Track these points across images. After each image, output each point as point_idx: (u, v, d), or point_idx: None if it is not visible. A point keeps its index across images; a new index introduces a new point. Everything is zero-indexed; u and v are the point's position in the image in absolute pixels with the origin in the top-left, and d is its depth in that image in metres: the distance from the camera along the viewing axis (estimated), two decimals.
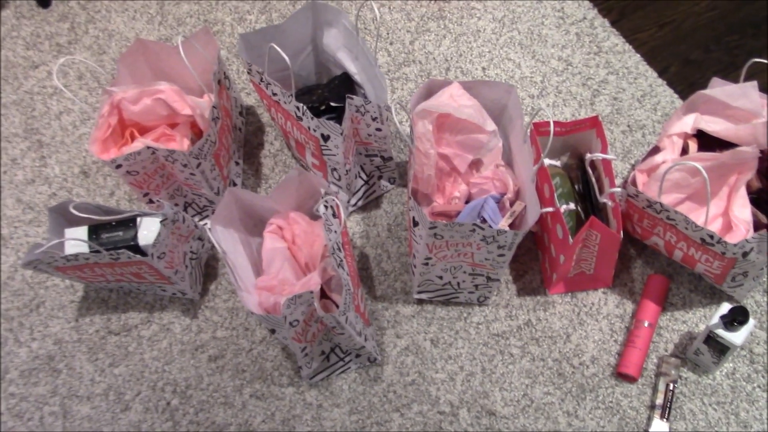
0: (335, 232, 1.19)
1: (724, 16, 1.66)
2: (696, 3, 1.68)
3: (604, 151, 1.28)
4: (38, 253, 1.25)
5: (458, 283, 1.32)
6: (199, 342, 1.39)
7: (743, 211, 1.25)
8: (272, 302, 1.18)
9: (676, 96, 1.56)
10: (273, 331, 1.19)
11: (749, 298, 1.34)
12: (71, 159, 1.60)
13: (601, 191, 1.31)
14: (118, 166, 1.30)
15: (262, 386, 1.34)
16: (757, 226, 1.26)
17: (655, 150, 1.29)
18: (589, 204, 1.34)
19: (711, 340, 1.21)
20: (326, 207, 1.21)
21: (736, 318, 1.16)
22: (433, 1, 1.71)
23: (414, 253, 1.28)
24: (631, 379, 1.30)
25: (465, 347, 1.35)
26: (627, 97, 1.56)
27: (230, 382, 1.35)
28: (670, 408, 1.26)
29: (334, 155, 1.32)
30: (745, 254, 1.16)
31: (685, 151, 1.30)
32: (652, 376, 1.30)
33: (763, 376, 1.28)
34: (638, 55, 1.61)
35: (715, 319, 1.19)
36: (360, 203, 1.49)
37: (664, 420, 1.25)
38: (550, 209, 1.26)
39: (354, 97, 1.27)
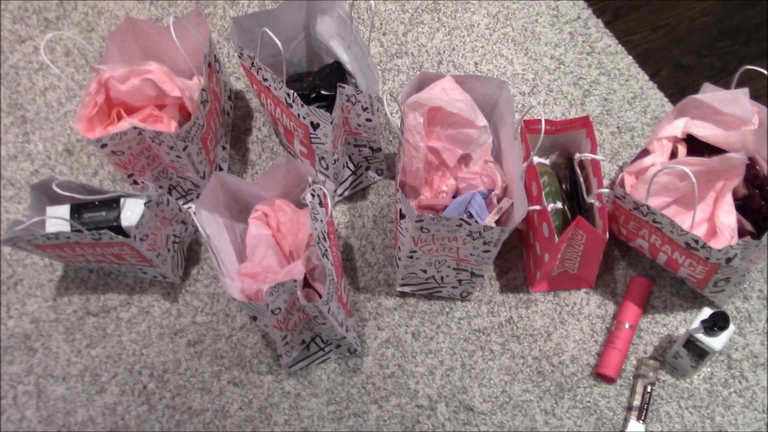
0: (321, 221, 1.18)
1: (717, 22, 1.66)
2: (690, 7, 1.68)
3: (593, 151, 1.28)
4: (18, 230, 1.23)
5: (442, 278, 1.32)
6: (179, 326, 1.37)
7: (728, 217, 1.25)
8: (255, 289, 1.17)
9: (666, 100, 1.56)
10: (254, 319, 1.18)
11: (729, 304, 1.35)
12: (55, 136, 1.57)
13: (588, 191, 1.31)
14: (104, 146, 1.29)
15: (240, 373, 1.33)
16: (742, 232, 1.27)
17: (644, 152, 1.29)
18: (575, 204, 1.34)
19: (690, 344, 1.22)
20: (313, 196, 1.20)
21: (717, 323, 1.17)
22: None
23: (399, 246, 1.28)
24: (609, 380, 1.30)
25: (446, 342, 1.35)
26: (617, 99, 1.56)
27: (208, 368, 1.34)
28: (646, 410, 1.26)
29: (323, 144, 1.31)
30: (728, 260, 1.17)
31: (674, 155, 1.30)
32: (631, 377, 1.31)
33: (739, 382, 1.29)
34: (630, 57, 1.61)
35: (696, 324, 1.20)
36: (346, 193, 1.48)
37: (641, 422, 1.26)
38: (538, 207, 1.26)
39: (345, 86, 1.26)
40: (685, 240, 1.19)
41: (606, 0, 1.69)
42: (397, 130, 1.24)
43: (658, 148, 1.28)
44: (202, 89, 1.32)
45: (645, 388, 1.27)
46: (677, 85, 1.59)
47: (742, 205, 1.28)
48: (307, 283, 1.24)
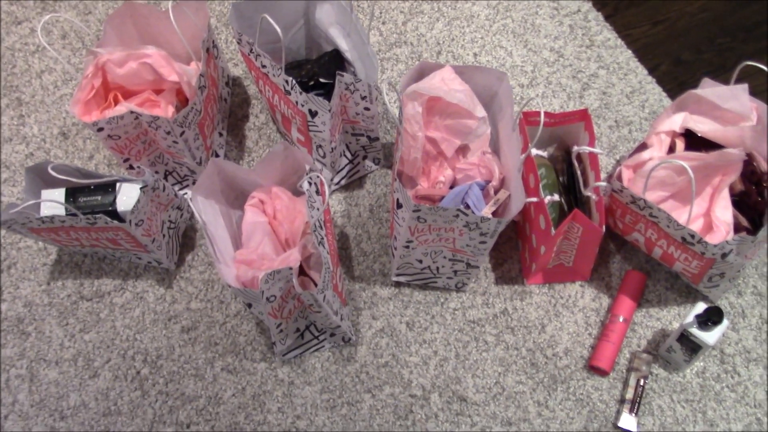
0: (318, 209, 1.18)
1: (717, 18, 1.66)
2: (690, 3, 1.68)
3: (591, 144, 1.28)
4: (13, 213, 1.23)
5: (437, 268, 1.32)
6: (173, 312, 1.37)
7: (725, 212, 1.25)
8: (250, 276, 1.17)
9: (664, 95, 1.56)
10: (249, 306, 1.18)
11: (723, 299, 1.35)
12: (51, 119, 1.56)
13: (585, 184, 1.31)
14: (100, 129, 1.28)
15: (234, 360, 1.33)
16: (737, 228, 1.27)
17: (643, 146, 1.29)
18: (572, 197, 1.34)
19: (684, 338, 1.22)
20: (310, 184, 1.20)
21: (711, 318, 1.17)
22: None
23: (395, 236, 1.28)
24: (602, 373, 1.31)
25: (440, 332, 1.35)
26: (616, 93, 1.56)
27: (202, 355, 1.33)
28: (639, 403, 1.27)
29: (321, 132, 1.31)
30: (724, 255, 1.17)
31: (672, 149, 1.30)
32: (624, 370, 1.31)
33: (732, 377, 1.29)
34: (630, 51, 1.61)
35: (690, 318, 1.20)
36: (343, 182, 1.48)
37: (633, 415, 1.26)
38: (535, 199, 1.26)
39: (344, 74, 1.25)
40: (681, 235, 1.19)
41: None
42: (395, 119, 1.24)
43: (657, 142, 1.28)
44: (201, 75, 1.31)
45: (638, 381, 1.28)
46: (676, 80, 1.59)
47: (738, 201, 1.29)
48: (302, 271, 1.24)
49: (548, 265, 1.36)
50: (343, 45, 1.42)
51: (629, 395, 1.28)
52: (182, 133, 1.31)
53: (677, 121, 1.28)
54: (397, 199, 1.19)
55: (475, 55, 1.62)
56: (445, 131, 1.30)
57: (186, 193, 1.47)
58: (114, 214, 1.28)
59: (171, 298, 1.38)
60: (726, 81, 1.30)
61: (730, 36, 1.64)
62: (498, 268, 1.40)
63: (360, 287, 1.39)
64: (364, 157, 1.48)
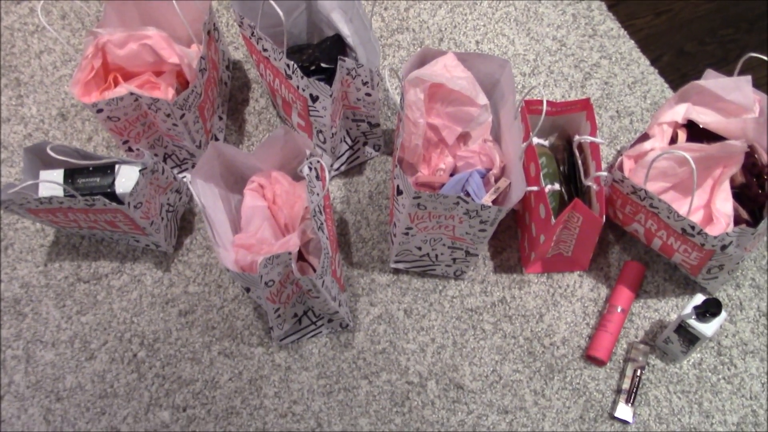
0: (317, 194, 1.18)
1: (720, 10, 1.65)
2: None
3: (593, 134, 1.28)
4: (11, 193, 1.22)
5: (436, 256, 1.32)
6: (170, 296, 1.37)
7: (725, 204, 1.25)
8: (249, 261, 1.17)
9: (666, 86, 1.55)
10: (248, 290, 1.18)
11: (721, 291, 1.36)
12: (49, 100, 1.55)
13: (586, 174, 1.31)
14: (99, 111, 1.27)
15: (231, 344, 1.33)
16: (737, 220, 1.27)
17: (644, 137, 1.29)
18: (572, 186, 1.34)
19: (682, 329, 1.22)
20: (310, 168, 1.19)
21: (709, 309, 1.17)
22: None
23: (395, 222, 1.27)
24: (599, 363, 1.31)
25: (438, 320, 1.35)
26: (618, 83, 1.56)
27: (199, 338, 1.33)
28: (635, 393, 1.27)
29: (321, 117, 1.30)
30: (723, 247, 1.17)
31: (673, 140, 1.30)
32: (621, 361, 1.31)
33: (728, 369, 1.30)
34: (632, 42, 1.60)
35: (688, 309, 1.20)
36: (343, 168, 1.47)
37: (629, 405, 1.26)
38: (535, 188, 1.26)
39: (346, 59, 1.24)
40: (681, 226, 1.19)
41: None
42: (397, 105, 1.23)
43: (659, 132, 1.27)
44: (201, 57, 1.30)
45: (635, 371, 1.28)
46: (678, 71, 1.58)
47: (738, 193, 1.28)
48: (301, 257, 1.24)
49: (547, 254, 1.35)
50: (345, 30, 1.41)
51: (626, 385, 1.28)
52: (182, 116, 1.31)
53: (680, 111, 1.28)
54: (398, 186, 1.18)
55: (477, 42, 1.61)
56: (446, 118, 1.29)
57: (185, 177, 1.47)
58: (113, 196, 1.27)
59: (169, 282, 1.38)
60: (729, 73, 1.29)
61: (733, 27, 1.63)
62: (497, 257, 1.40)
63: (358, 273, 1.38)
64: (365, 144, 1.48)
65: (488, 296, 1.36)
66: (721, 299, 1.34)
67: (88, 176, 1.28)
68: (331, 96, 1.25)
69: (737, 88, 1.24)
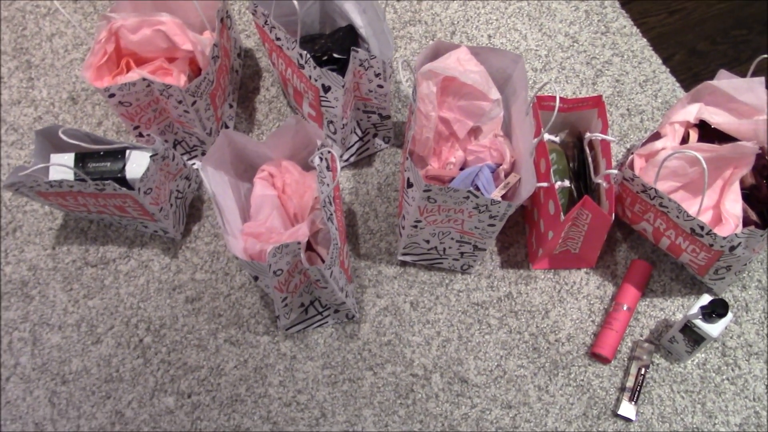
0: (328, 185, 1.18)
1: (733, 10, 1.65)
2: None
3: (604, 131, 1.28)
4: (22, 176, 1.22)
5: (444, 249, 1.32)
6: (177, 282, 1.37)
7: (734, 205, 1.25)
8: (258, 249, 1.17)
9: (678, 85, 1.55)
10: (256, 279, 1.18)
11: (728, 292, 1.36)
12: (60, 83, 1.55)
13: (596, 172, 1.31)
14: (111, 96, 1.27)
15: (237, 332, 1.33)
16: (746, 222, 1.27)
17: (656, 136, 1.29)
18: (582, 183, 1.34)
19: (688, 329, 1.22)
20: (321, 159, 1.19)
21: (716, 310, 1.17)
22: None
23: (404, 215, 1.27)
24: (604, 360, 1.31)
25: (444, 313, 1.35)
26: (629, 81, 1.56)
27: (205, 326, 1.34)
28: (639, 392, 1.27)
29: (333, 107, 1.30)
30: (732, 248, 1.17)
31: (685, 140, 1.30)
32: (625, 359, 1.32)
33: (732, 370, 1.30)
34: (645, 40, 1.60)
35: (695, 310, 1.20)
36: (352, 159, 1.47)
37: (632, 403, 1.27)
38: (545, 184, 1.26)
39: (359, 50, 1.24)
40: (690, 226, 1.19)
41: None
42: (409, 98, 1.23)
43: (670, 132, 1.27)
44: (214, 44, 1.30)
45: (639, 370, 1.28)
46: (690, 71, 1.58)
47: (748, 194, 1.28)
48: (309, 247, 1.24)
49: (555, 250, 1.35)
50: (358, 21, 1.41)
51: (630, 383, 1.28)
52: (194, 103, 1.31)
53: (692, 111, 1.28)
54: (408, 178, 1.19)
55: (489, 36, 1.61)
56: (458, 112, 1.29)
57: (195, 163, 1.47)
58: (123, 181, 1.27)
59: (176, 268, 1.38)
60: (741, 73, 1.29)
61: (746, 28, 1.63)
62: (504, 252, 1.40)
63: (365, 265, 1.39)
64: (375, 135, 1.48)
65: (494, 291, 1.37)
66: (727, 300, 1.35)
67: (98, 161, 1.28)
68: (343, 87, 1.25)
69: (750, 89, 1.23)
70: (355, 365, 1.31)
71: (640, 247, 1.40)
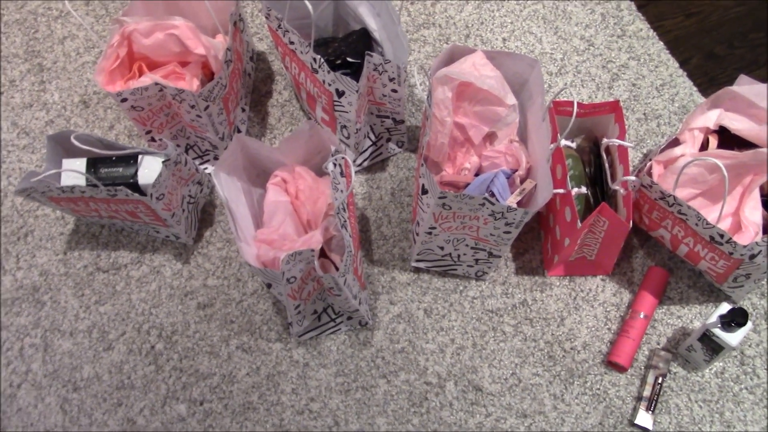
0: (342, 191, 1.16)
1: (751, 13, 1.63)
2: None
3: (621, 137, 1.26)
4: (34, 182, 1.21)
5: (459, 256, 1.30)
6: (189, 288, 1.36)
7: (754, 213, 1.23)
8: (271, 256, 1.16)
9: (695, 89, 1.53)
10: (269, 286, 1.17)
11: (746, 300, 1.34)
12: (72, 87, 1.54)
13: (613, 178, 1.29)
14: (124, 100, 1.26)
15: (249, 339, 1.32)
16: (766, 229, 1.25)
17: (675, 142, 1.27)
18: (598, 189, 1.32)
19: (706, 338, 1.20)
20: (335, 165, 1.18)
21: (735, 319, 1.16)
22: None
23: (418, 221, 1.26)
24: (620, 369, 1.29)
25: (458, 320, 1.33)
26: (646, 85, 1.54)
27: (217, 332, 1.33)
28: (656, 401, 1.25)
29: (347, 112, 1.29)
30: (752, 257, 1.15)
31: (704, 146, 1.28)
32: (642, 367, 1.30)
33: (751, 379, 1.28)
34: (661, 43, 1.58)
35: (714, 318, 1.18)
36: (365, 164, 1.46)
37: (650, 412, 1.25)
38: (562, 191, 1.24)
39: (374, 54, 1.23)
40: (710, 234, 1.17)
41: None
42: (425, 103, 1.21)
43: (689, 138, 1.25)
44: (228, 48, 1.29)
45: (656, 379, 1.27)
46: (706, 74, 1.56)
47: (767, 202, 1.26)
48: (323, 253, 1.23)
49: (570, 257, 1.34)
50: (372, 24, 1.40)
51: (647, 393, 1.26)
52: (206, 108, 1.30)
53: (712, 117, 1.26)
54: (423, 185, 1.17)
55: (504, 40, 1.59)
56: (473, 117, 1.28)
57: (207, 168, 1.46)
58: (135, 187, 1.26)
59: (188, 274, 1.37)
60: (759, 77, 1.28)
61: (764, 32, 1.61)
62: (519, 258, 1.38)
63: (379, 271, 1.37)
64: (388, 140, 1.46)
65: (509, 298, 1.35)
66: (745, 308, 1.33)
67: (110, 166, 1.27)
68: (357, 92, 1.24)
69: None
70: (368, 373, 1.30)
71: (656, 253, 1.38)
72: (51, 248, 1.39)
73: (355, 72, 1.37)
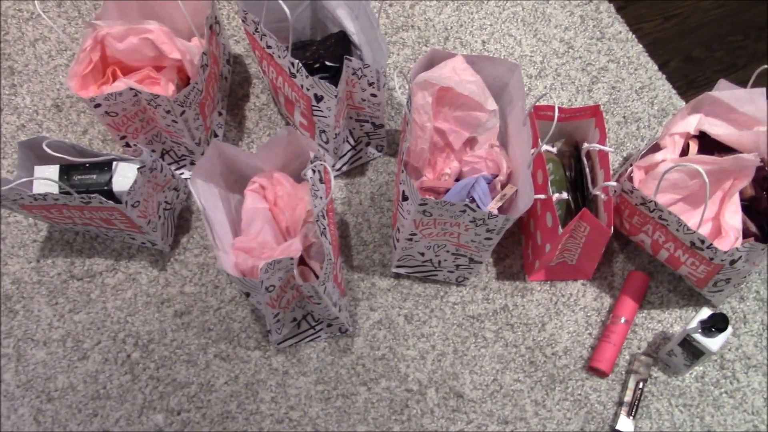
0: (321, 198, 1.15)
1: (729, 15, 1.63)
2: None
3: (602, 142, 1.26)
4: (5, 190, 1.18)
5: (439, 262, 1.29)
6: (166, 296, 1.34)
7: (734, 217, 1.23)
8: (250, 265, 1.14)
9: (674, 92, 1.53)
10: (248, 295, 1.15)
11: (725, 304, 1.34)
12: (44, 90, 1.51)
13: (594, 183, 1.29)
14: (97, 106, 1.23)
15: (227, 347, 1.30)
16: (745, 234, 1.25)
17: (656, 147, 1.27)
18: (579, 194, 1.32)
19: (687, 343, 1.20)
20: (314, 171, 1.16)
21: (716, 324, 1.16)
22: None
23: (398, 227, 1.25)
24: (602, 374, 1.29)
25: (439, 326, 1.32)
26: (625, 88, 1.53)
27: (195, 340, 1.30)
28: (637, 406, 1.25)
29: (325, 117, 1.27)
30: (733, 262, 1.15)
31: (684, 151, 1.28)
32: (623, 372, 1.30)
33: (731, 383, 1.28)
34: (641, 46, 1.58)
35: (694, 323, 1.18)
36: (345, 168, 1.44)
37: (631, 417, 1.25)
38: (543, 196, 1.23)
39: (352, 58, 1.21)
40: (690, 239, 1.17)
41: None
42: (404, 108, 1.20)
43: (670, 143, 1.25)
44: (204, 53, 1.27)
45: (637, 383, 1.26)
46: (686, 77, 1.56)
47: (747, 206, 1.27)
48: (302, 261, 1.21)
49: (551, 262, 1.33)
50: (351, 27, 1.38)
51: (628, 398, 1.26)
52: (182, 113, 1.27)
53: (692, 122, 1.26)
54: (403, 191, 1.16)
55: (483, 42, 1.58)
56: (454, 123, 1.27)
57: (183, 174, 1.43)
58: (109, 194, 1.24)
59: (164, 281, 1.35)
60: (737, 80, 1.28)
61: (743, 34, 1.61)
62: (499, 263, 1.38)
63: (359, 277, 1.36)
64: (367, 144, 1.45)
65: (490, 303, 1.34)
66: (725, 312, 1.33)
67: (84, 173, 1.24)
68: (336, 96, 1.22)
69: (751, 100, 1.21)
70: (348, 380, 1.28)
71: (637, 257, 1.38)
72: (23, 256, 1.36)
73: (333, 76, 1.36)
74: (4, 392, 1.26)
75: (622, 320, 1.29)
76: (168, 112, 1.26)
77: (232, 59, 1.55)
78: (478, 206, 1.22)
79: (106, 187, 1.24)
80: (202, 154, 1.40)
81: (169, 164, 1.44)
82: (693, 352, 1.21)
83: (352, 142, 1.44)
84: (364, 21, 1.33)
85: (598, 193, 1.25)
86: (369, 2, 1.30)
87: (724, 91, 1.24)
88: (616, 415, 1.26)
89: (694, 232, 1.15)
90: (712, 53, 1.59)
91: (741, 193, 1.26)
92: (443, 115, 1.26)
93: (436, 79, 1.20)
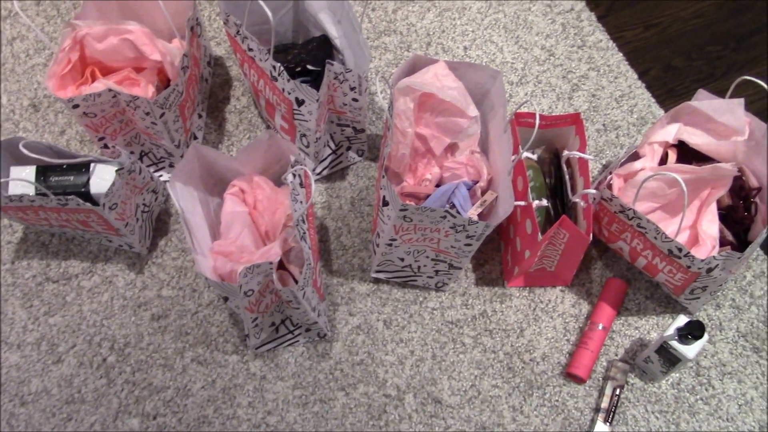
0: (301, 202, 1.14)
1: (709, 26, 1.65)
2: (684, 8, 1.66)
3: (582, 149, 1.26)
4: None
5: (419, 267, 1.29)
6: (143, 299, 1.32)
7: (711, 226, 1.24)
8: (228, 269, 1.13)
9: (653, 100, 1.54)
10: (226, 299, 1.14)
11: (702, 311, 1.35)
12: (21, 90, 1.49)
13: (573, 190, 1.29)
14: (75, 106, 1.22)
15: (205, 351, 1.29)
16: (722, 242, 1.26)
17: (635, 156, 1.28)
18: (559, 201, 1.32)
19: (663, 350, 1.21)
20: (294, 176, 1.16)
21: (692, 332, 1.16)
22: None
23: (378, 232, 1.24)
24: (579, 381, 1.29)
25: (417, 332, 1.32)
26: (605, 96, 1.54)
27: (172, 344, 1.29)
28: (614, 412, 1.26)
29: (306, 121, 1.27)
30: (709, 270, 1.16)
31: (663, 160, 1.29)
32: (600, 379, 1.30)
33: (706, 390, 1.29)
34: (621, 54, 1.59)
35: (671, 331, 1.19)
36: (325, 173, 1.44)
37: (607, 424, 1.25)
38: (523, 203, 1.24)
39: (334, 63, 1.21)
40: (668, 247, 1.17)
41: None
42: (386, 113, 1.20)
43: (649, 152, 1.26)
44: (184, 54, 1.26)
45: (614, 390, 1.27)
46: (665, 86, 1.57)
47: (724, 215, 1.28)
48: (281, 265, 1.20)
49: (530, 268, 1.34)
50: (333, 32, 1.38)
51: (604, 404, 1.27)
52: (162, 115, 1.26)
53: (671, 132, 1.27)
54: (384, 197, 1.16)
55: (465, 48, 1.59)
56: (435, 128, 1.27)
57: (162, 176, 1.42)
58: (87, 196, 1.23)
59: (141, 284, 1.33)
60: (715, 89, 1.29)
61: (722, 44, 1.63)
62: (479, 269, 1.38)
63: (338, 282, 1.35)
64: (348, 148, 1.44)
65: (469, 309, 1.34)
66: (701, 319, 1.34)
67: (61, 174, 1.23)
68: (317, 101, 1.22)
69: (729, 110, 1.23)
70: (326, 385, 1.28)
71: (615, 264, 1.39)
72: None
73: (315, 80, 1.35)
74: None
75: (600, 327, 1.30)
76: (147, 113, 1.25)
77: (213, 61, 1.54)
78: (458, 212, 1.22)
79: (83, 189, 1.22)
80: (182, 156, 1.39)
81: (148, 166, 1.42)
82: (669, 359, 1.22)
83: (332, 146, 1.43)
84: (347, 25, 1.33)
85: (577, 200, 1.25)
86: (351, 6, 1.29)
87: (703, 101, 1.25)
88: (593, 422, 1.27)
89: (672, 240, 1.15)
90: (691, 63, 1.61)
91: (718, 202, 1.27)
92: (425, 120, 1.26)
93: (418, 84, 1.20)
